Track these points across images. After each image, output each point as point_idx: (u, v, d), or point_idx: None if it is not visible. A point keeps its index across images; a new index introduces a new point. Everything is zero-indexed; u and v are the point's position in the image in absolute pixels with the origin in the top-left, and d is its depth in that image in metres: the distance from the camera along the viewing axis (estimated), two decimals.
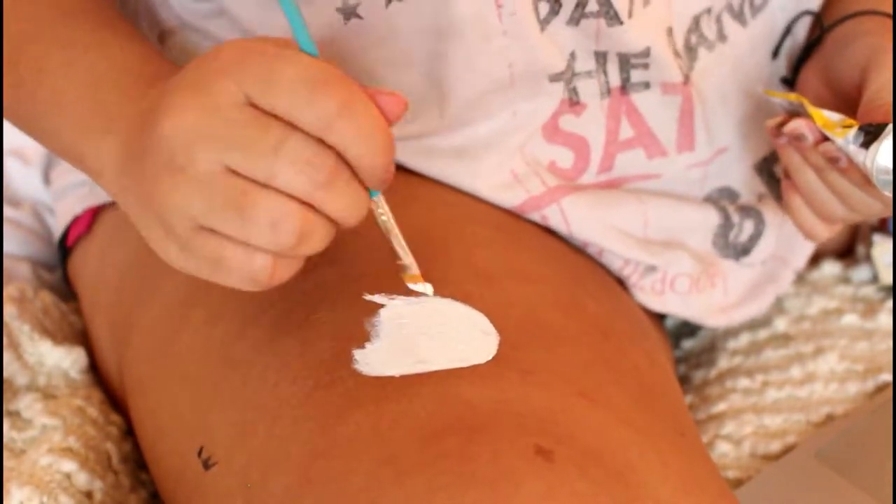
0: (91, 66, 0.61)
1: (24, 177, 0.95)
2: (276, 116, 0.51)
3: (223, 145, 0.51)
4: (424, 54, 0.66)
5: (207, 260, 0.53)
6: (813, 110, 0.67)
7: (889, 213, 0.69)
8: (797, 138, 0.67)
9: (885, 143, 0.63)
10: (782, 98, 0.70)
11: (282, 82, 0.50)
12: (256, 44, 0.52)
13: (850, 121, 0.66)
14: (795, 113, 0.69)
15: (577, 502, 0.52)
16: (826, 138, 0.66)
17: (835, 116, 0.66)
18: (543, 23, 0.67)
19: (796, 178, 0.69)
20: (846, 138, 0.64)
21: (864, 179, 0.65)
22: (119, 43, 0.62)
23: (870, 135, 0.64)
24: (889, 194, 0.63)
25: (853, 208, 0.68)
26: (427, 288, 0.58)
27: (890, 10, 0.72)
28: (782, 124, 0.69)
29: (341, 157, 0.52)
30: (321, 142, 0.51)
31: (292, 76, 0.50)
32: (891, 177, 0.63)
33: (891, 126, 0.63)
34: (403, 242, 0.58)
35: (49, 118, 0.62)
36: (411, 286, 0.58)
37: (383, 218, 0.57)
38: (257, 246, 0.52)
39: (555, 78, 0.69)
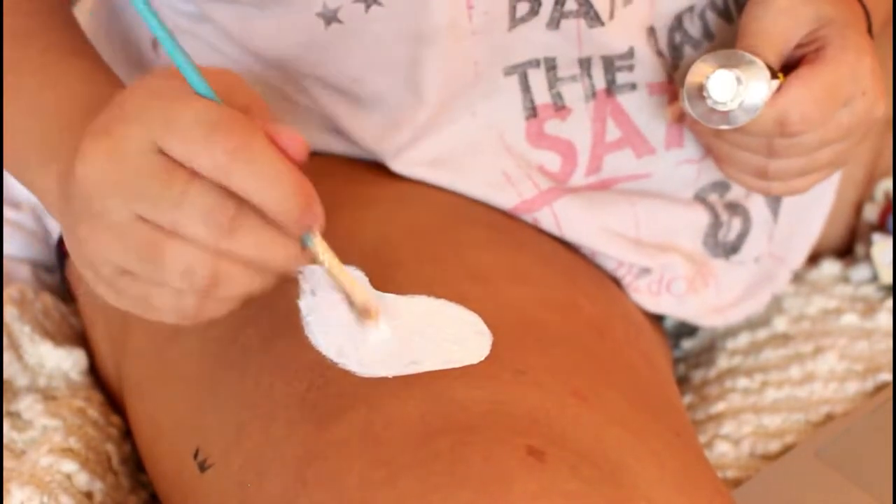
0: (35, 92, 0.61)
1: None
2: (181, 164, 0.50)
3: (132, 195, 0.51)
4: (403, 60, 0.66)
5: (135, 300, 0.54)
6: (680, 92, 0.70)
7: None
8: (679, 120, 0.70)
9: (686, 88, 0.65)
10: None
11: (179, 127, 0.50)
12: (162, 86, 0.52)
13: None
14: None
15: (570, 502, 0.53)
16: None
17: None
18: (518, 21, 0.67)
19: (714, 152, 0.71)
20: (683, 101, 0.66)
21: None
22: (64, 66, 0.62)
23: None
24: (726, 127, 0.64)
25: (763, 153, 0.68)
26: (383, 327, 0.54)
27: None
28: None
29: (247, 204, 0.50)
30: (226, 190, 0.50)
31: (188, 121, 0.50)
32: (718, 108, 0.64)
33: (693, 66, 0.65)
34: (351, 287, 0.53)
35: None
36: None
37: (325, 265, 0.53)
38: (177, 289, 0.52)
39: (509, 71, 0.68)
